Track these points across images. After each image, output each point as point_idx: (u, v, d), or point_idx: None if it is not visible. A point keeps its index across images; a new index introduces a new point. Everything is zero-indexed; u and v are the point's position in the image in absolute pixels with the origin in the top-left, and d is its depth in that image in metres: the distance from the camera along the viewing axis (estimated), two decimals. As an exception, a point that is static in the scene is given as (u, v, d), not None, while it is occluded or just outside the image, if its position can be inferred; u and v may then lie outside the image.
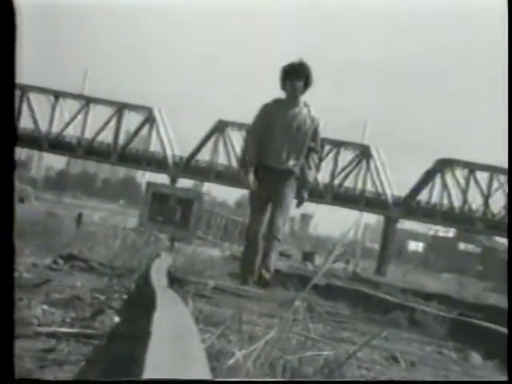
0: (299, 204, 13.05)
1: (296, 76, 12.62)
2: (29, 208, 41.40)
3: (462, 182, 64.96)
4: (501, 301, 29.48)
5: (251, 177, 12.77)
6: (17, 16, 3.20)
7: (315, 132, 12.84)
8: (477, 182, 65.16)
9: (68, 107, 66.24)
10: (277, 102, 12.84)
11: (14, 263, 3.23)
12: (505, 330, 10.22)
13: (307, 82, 12.71)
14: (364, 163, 64.78)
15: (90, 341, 5.43)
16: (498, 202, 64.36)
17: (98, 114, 65.98)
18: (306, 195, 12.89)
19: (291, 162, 12.72)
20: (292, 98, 12.74)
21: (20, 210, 35.54)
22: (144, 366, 3.34)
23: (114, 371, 4.39)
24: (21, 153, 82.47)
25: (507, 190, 62.83)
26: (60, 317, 6.37)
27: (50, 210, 38.95)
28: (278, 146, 12.69)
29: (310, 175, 12.91)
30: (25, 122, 65.92)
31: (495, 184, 64.68)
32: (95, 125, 66.13)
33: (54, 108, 65.71)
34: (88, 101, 65.58)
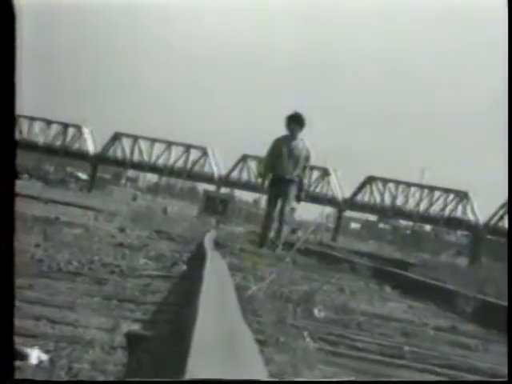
0: (299, 200, 12.56)
1: (295, 122, 12.26)
2: (138, 205, 41.35)
3: (381, 189, 64.73)
4: (401, 256, 29.31)
5: (264, 182, 12.58)
6: (17, 18, 2.17)
7: (308, 156, 12.41)
8: (389, 189, 64.89)
9: (160, 147, 66.10)
10: (284, 137, 12.39)
11: (14, 264, 2.14)
12: (402, 272, 10.18)
13: (302, 125, 12.31)
14: (326, 178, 64.50)
15: (170, 280, 5.40)
16: (399, 200, 64.26)
17: (176, 151, 65.83)
18: (303, 195, 12.59)
19: (293, 174, 12.29)
20: (293, 135, 12.32)
21: (133, 205, 35.57)
22: (199, 293, 3.30)
23: (184, 297, 4.35)
24: (134, 173, 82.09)
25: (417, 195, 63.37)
26: (154, 265, 6.34)
27: (149, 206, 38.89)
28: (285, 164, 12.31)
29: (306, 182, 12.55)
30: (136, 157, 65.81)
31: (400, 190, 64.31)
32: (175, 155, 66.01)
33: (151, 147, 65.71)
34: (170, 143, 65.64)
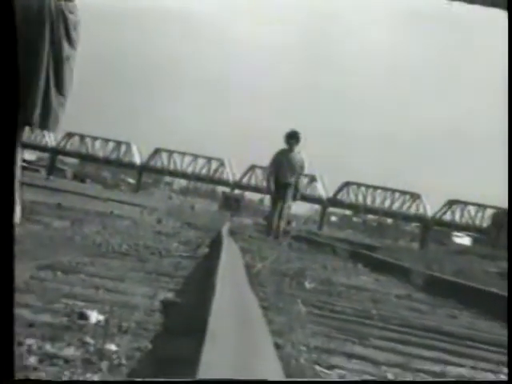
0: (295, 199, 12.23)
1: (292, 138, 11.97)
2: (172, 203, 41.26)
3: (355, 191, 64.51)
4: (369, 241, 29.10)
5: (271, 186, 12.40)
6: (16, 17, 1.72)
7: (303, 165, 12.13)
8: (361, 191, 64.68)
9: (189, 158, 65.87)
10: (283, 150, 12.11)
11: (14, 265, 1.64)
12: (371, 253, 10.04)
13: (298, 141, 12.01)
14: (314, 183, 64.28)
15: (196, 259, 5.36)
16: (368, 199, 63.98)
17: (201, 162, 65.65)
18: (298, 196, 12.35)
19: (292, 180, 12.05)
20: (291, 148, 12.02)
21: (169, 203, 35.48)
22: (218, 269, 3.27)
23: (206, 271, 4.30)
24: (170, 179, 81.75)
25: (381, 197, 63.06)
26: (183, 248, 6.30)
27: (181, 203, 38.80)
28: (285, 172, 12.05)
29: (301, 186, 12.21)
30: (171, 166, 65.63)
31: (369, 192, 64.06)
32: (200, 165, 65.85)
33: (183, 159, 65.60)
34: (196, 156, 65.62)
